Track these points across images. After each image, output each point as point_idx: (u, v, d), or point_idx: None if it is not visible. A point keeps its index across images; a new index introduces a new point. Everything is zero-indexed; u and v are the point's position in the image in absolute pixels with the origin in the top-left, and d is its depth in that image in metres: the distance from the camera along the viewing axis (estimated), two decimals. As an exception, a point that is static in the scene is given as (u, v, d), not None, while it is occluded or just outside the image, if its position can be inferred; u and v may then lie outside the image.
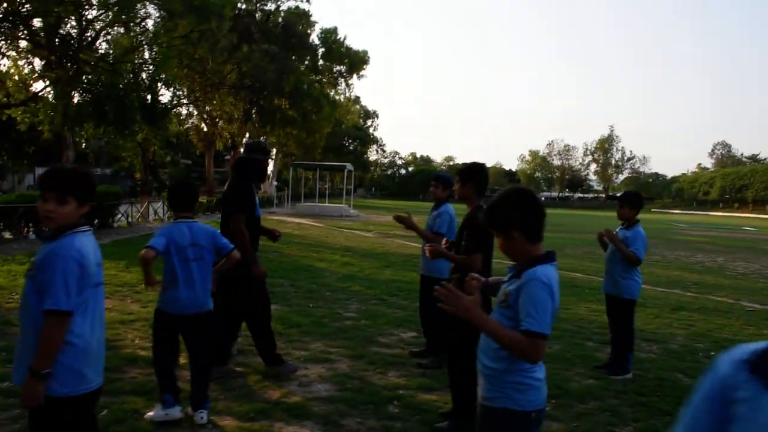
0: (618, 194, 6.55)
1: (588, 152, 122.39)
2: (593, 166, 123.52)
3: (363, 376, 5.73)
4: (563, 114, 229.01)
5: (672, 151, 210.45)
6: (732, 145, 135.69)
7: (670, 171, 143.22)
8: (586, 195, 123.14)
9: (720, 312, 10.03)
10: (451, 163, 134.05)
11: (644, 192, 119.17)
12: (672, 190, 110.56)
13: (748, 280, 14.83)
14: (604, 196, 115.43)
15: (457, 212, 6.00)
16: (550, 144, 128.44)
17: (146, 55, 13.89)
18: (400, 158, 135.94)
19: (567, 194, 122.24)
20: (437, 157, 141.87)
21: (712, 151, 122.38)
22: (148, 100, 16.16)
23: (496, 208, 2.66)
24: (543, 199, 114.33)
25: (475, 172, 4.81)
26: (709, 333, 8.33)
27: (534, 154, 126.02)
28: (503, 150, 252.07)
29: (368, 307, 8.90)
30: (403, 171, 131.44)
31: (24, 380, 2.67)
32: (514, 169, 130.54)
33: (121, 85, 14.56)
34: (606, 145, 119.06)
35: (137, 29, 13.77)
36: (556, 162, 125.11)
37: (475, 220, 4.58)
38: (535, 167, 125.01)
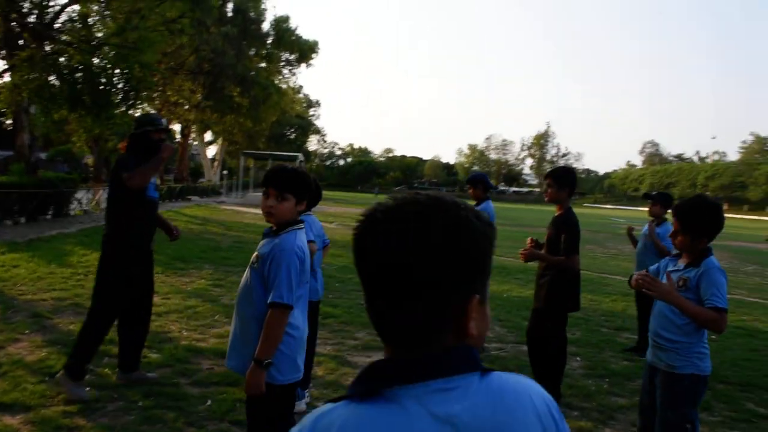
0: (653, 193, 7.08)
1: (525, 147, 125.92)
2: (529, 161, 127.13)
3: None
4: (502, 109, 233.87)
5: (604, 148, 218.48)
6: (660, 144, 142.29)
7: (602, 168, 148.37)
8: (521, 189, 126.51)
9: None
10: (390, 155, 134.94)
11: (577, 187, 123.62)
12: (604, 185, 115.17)
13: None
14: (539, 190, 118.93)
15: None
16: (488, 138, 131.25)
17: (131, 37, 13.52)
18: (340, 149, 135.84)
19: (503, 188, 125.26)
20: (376, 148, 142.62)
21: (642, 149, 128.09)
22: (122, 84, 15.76)
23: (693, 214, 3.22)
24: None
25: (571, 177, 5.13)
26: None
27: (472, 148, 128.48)
28: (442, 143, 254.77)
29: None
30: (341, 162, 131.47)
31: (248, 369, 2.83)
32: (452, 162, 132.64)
33: (103, 68, 14.17)
34: (542, 140, 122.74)
35: (125, 7, 13.40)
36: (494, 156, 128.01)
37: (572, 222, 4.92)
38: (473, 161, 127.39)
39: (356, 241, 0.99)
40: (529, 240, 5.11)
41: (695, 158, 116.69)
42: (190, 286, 8.93)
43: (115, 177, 4.74)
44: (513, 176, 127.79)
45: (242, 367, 2.96)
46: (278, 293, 2.82)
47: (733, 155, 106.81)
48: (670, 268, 3.38)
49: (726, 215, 3.49)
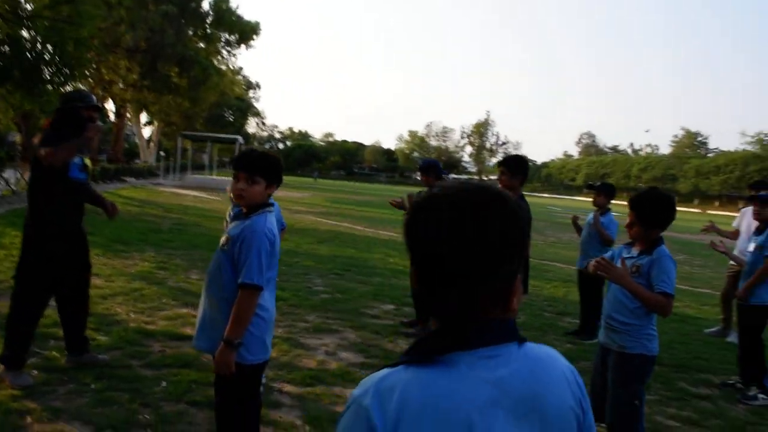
0: (597, 183, 7.35)
1: (464, 135, 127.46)
2: (468, 149, 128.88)
3: (378, 344, 6.12)
4: (443, 96, 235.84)
5: (543, 138, 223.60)
6: (597, 135, 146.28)
7: (540, 157, 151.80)
8: (460, 176, 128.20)
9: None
10: (331, 139, 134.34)
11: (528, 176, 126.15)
12: (542, 175, 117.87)
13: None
14: (477, 178, 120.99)
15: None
16: (428, 125, 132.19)
17: (64, 10, 12.89)
18: (279, 132, 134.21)
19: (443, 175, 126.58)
20: (316, 132, 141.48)
21: (579, 140, 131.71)
22: (55, 59, 15.07)
23: (648, 206, 3.44)
24: (420, 178, 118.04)
25: (524, 165, 5.32)
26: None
27: (413, 134, 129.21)
28: (383, 129, 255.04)
29: (333, 282, 9.19)
30: (281, 145, 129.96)
31: (218, 349, 2.84)
32: (393, 148, 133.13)
33: (33, 42, 13.47)
34: (482, 129, 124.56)
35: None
36: (434, 143, 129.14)
37: (524, 209, 5.09)
38: (413, 147, 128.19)
39: (404, 228, 1.09)
40: None
41: (629, 150, 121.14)
42: (134, 269, 8.73)
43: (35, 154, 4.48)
44: (452, 163, 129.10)
45: (212, 348, 2.96)
46: (249, 274, 2.83)
47: (665, 148, 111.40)
48: (624, 255, 3.57)
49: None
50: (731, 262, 7.43)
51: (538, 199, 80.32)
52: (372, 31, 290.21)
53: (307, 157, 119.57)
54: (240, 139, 41.58)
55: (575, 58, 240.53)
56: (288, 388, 4.74)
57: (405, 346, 6.05)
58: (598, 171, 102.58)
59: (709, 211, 74.32)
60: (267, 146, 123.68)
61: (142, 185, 31.41)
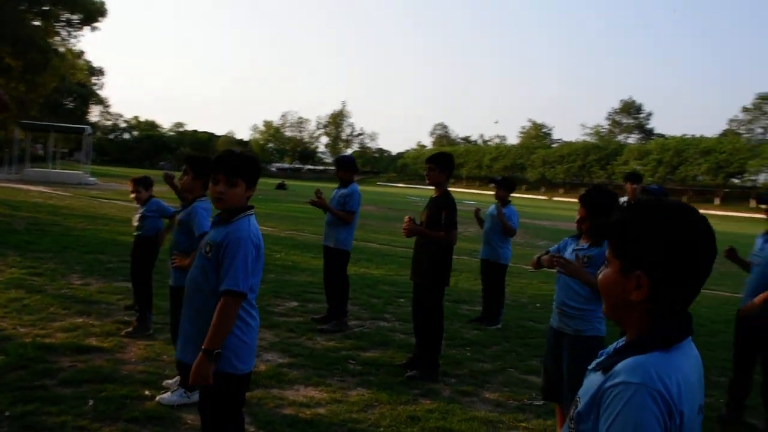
0: (498, 178, 7.73)
1: (320, 126, 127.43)
2: (324, 139, 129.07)
3: (298, 342, 6.03)
4: (299, 87, 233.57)
5: (398, 129, 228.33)
6: (449, 126, 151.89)
7: (395, 148, 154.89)
8: (316, 167, 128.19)
9: (518, 274, 12.00)
10: (181, 129, 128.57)
11: (370, 167, 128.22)
12: (397, 165, 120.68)
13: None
14: (333, 169, 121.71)
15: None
16: (284, 116, 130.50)
17: None
18: (125, 121, 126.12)
19: (298, 165, 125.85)
20: (165, 122, 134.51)
21: (432, 130, 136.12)
22: None
23: (597, 203, 3.73)
24: (275, 170, 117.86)
25: (450, 162, 5.50)
26: (523, 291, 10.07)
27: (268, 124, 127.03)
28: (236, 119, 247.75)
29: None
30: (126, 135, 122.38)
31: (196, 360, 2.66)
32: (246, 139, 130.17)
33: None
34: (338, 119, 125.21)
35: None
36: (289, 133, 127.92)
37: (451, 202, 5.28)
38: (268, 138, 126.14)
39: (654, 229, 1.33)
40: (407, 218, 5.38)
41: (480, 141, 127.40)
42: (2, 276, 7.88)
43: None
44: (308, 154, 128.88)
45: None
46: (233, 281, 2.69)
47: (513, 139, 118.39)
48: (573, 247, 3.82)
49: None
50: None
51: (394, 189, 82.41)
52: (222, 19, 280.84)
53: (157, 148, 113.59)
54: (88, 128, 38.66)
55: (427, 51, 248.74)
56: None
57: (325, 343, 6.06)
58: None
59: (555, 198, 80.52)
60: (111, 136, 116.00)
61: (-28, 180, 28.21)
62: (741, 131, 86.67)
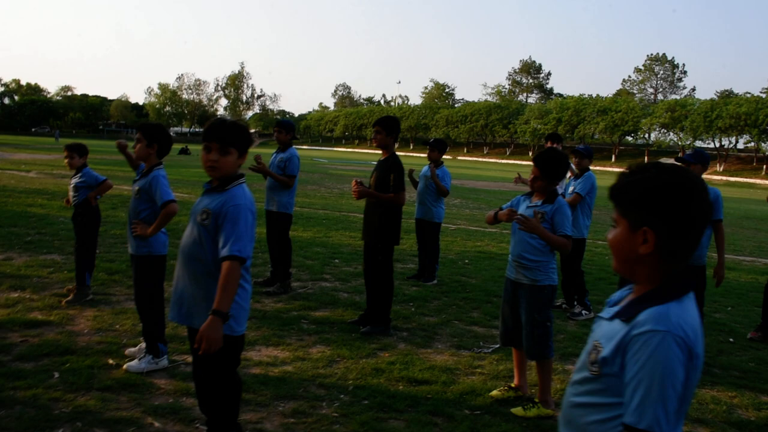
0: (431, 140, 7.99)
1: (219, 88, 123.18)
2: (224, 102, 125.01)
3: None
4: (194, 48, 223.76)
5: (300, 91, 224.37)
6: (352, 87, 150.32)
7: (298, 109, 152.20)
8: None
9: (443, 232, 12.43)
10: (69, 93, 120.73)
11: (272, 129, 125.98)
12: (300, 127, 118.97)
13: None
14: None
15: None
16: (180, 78, 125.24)
17: None
18: (2, 85, 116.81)
19: (197, 130, 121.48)
20: (51, 86, 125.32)
21: (335, 91, 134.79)
22: None
23: (550, 164, 4.09)
24: (174, 134, 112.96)
25: (396, 125, 5.68)
26: (449, 248, 10.49)
27: (164, 87, 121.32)
28: (129, 82, 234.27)
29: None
30: (6, 100, 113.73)
31: (206, 323, 2.72)
32: (141, 103, 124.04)
33: None
34: (237, 81, 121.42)
35: None
36: (186, 96, 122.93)
37: (398, 164, 5.47)
38: (164, 101, 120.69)
39: (684, 194, 1.52)
40: (354, 181, 5.54)
41: (382, 102, 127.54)
42: None
43: None
44: (208, 117, 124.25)
45: (193, 323, 2.95)
46: (237, 246, 2.78)
47: (415, 99, 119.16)
48: (527, 205, 4.16)
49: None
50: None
51: (300, 152, 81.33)
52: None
53: (42, 113, 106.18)
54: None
55: (330, 10, 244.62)
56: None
57: (274, 305, 6.19)
58: (355, 122, 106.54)
59: (459, 157, 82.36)
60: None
61: None
62: (634, 91, 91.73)
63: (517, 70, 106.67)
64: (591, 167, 6.85)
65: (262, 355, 4.80)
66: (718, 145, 70.33)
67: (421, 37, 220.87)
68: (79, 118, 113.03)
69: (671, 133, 74.52)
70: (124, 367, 4.29)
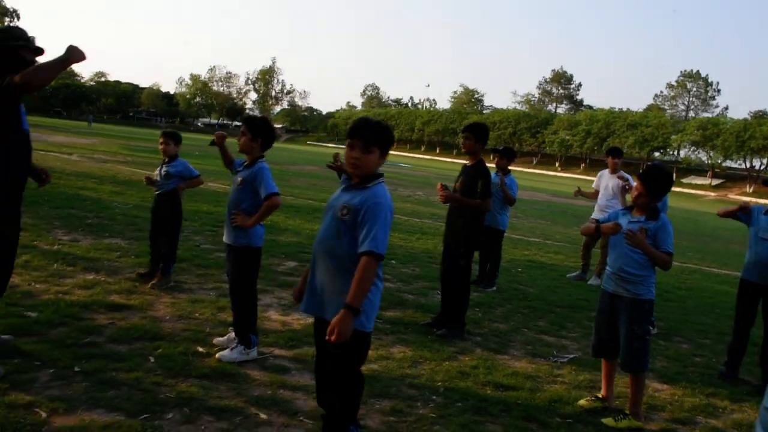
0: (500, 148, 8.02)
1: (249, 81, 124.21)
2: (253, 95, 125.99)
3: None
4: (228, 41, 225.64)
5: (329, 89, 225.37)
6: (380, 87, 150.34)
7: (326, 107, 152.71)
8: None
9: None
10: (103, 79, 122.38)
11: (299, 125, 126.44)
12: (328, 125, 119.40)
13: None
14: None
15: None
16: (212, 69, 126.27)
17: None
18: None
19: (226, 122, 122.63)
20: (84, 71, 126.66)
21: (364, 91, 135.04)
22: None
23: (656, 181, 4.12)
24: (201, 125, 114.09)
25: (486, 132, 5.75)
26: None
27: (195, 78, 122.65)
28: (161, 72, 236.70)
29: (213, 239, 8.79)
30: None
31: (338, 316, 2.76)
32: (172, 92, 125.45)
33: None
34: (267, 76, 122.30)
35: None
36: (216, 88, 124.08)
37: (486, 171, 5.51)
38: (195, 92, 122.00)
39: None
40: (439, 185, 5.59)
41: (410, 104, 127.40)
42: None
43: None
44: (236, 110, 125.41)
45: (324, 314, 2.97)
46: (375, 243, 2.81)
47: (443, 103, 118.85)
48: (630, 220, 4.17)
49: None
50: (592, 217, 8.65)
51: (325, 149, 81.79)
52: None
53: (76, 98, 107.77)
54: None
55: (360, 11, 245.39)
56: (279, 352, 4.66)
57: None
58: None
59: (487, 164, 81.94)
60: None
61: None
62: (665, 107, 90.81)
63: (548, 80, 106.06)
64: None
65: (346, 352, 4.82)
66: (748, 165, 69.34)
67: (453, 41, 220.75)
68: (111, 104, 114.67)
69: (701, 151, 73.69)
70: (217, 356, 4.33)
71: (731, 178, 71.63)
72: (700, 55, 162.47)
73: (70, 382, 3.69)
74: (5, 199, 3.88)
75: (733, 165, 70.95)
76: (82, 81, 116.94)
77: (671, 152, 79.22)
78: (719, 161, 69.29)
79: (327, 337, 2.79)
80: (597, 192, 8.84)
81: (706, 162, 72.40)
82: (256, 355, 4.44)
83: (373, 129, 2.95)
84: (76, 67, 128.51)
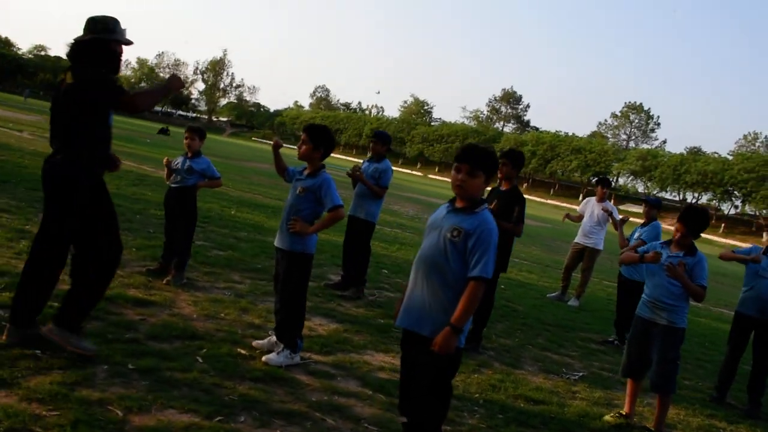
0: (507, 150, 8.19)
1: (198, 71, 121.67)
2: (201, 86, 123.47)
3: (331, 307, 6.26)
4: (176, 28, 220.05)
5: (277, 87, 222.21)
6: (331, 90, 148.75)
7: (273, 105, 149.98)
8: (188, 114, 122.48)
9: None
10: (42, 53, 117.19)
11: (245, 120, 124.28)
12: (275, 123, 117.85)
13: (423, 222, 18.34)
14: (207, 117, 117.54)
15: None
16: (160, 55, 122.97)
17: None
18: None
19: (170, 110, 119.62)
20: (23, 43, 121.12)
21: (314, 92, 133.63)
22: None
23: (696, 222, 4.54)
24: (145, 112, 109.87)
25: (523, 160, 6.04)
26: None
27: (142, 62, 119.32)
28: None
29: (208, 236, 8.70)
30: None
31: (443, 333, 2.96)
32: (117, 75, 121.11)
33: None
34: (217, 68, 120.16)
35: None
36: (163, 75, 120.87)
37: (521, 197, 5.76)
38: (141, 77, 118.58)
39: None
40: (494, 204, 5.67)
41: (358, 109, 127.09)
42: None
43: (85, 95, 3.85)
44: (182, 100, 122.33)
45: (424, 330, 3.09)
46: (485, 269, 2.97)
47: (392, 111, 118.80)
48: (669, 254, 4.53)
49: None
50: (576, 240, 9.15)
51: (268, 146, 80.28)
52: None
53: (12, 70, 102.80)
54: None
55: (312, 11, 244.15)
56: (317, 357, 4.73)
57: (356, 310, 6.34)
58: (332, 126, 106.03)
59: (430, 176, 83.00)
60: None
61: None
62: (608, 135, 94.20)
63: (498, 98, 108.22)
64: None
65: (379, 361, 4.94)
66: (681, 198, 72.82)
67: (405, 51, 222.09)
68: (49, 79, 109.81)
69: (639, 181, 76.79)
70: (263, 359, 4.37)
71: (664, 209, 74.75)
72: (644, 87, 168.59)
73: (129, 380, 3.68)
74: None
75: (668, 197, 74.19)
76: (20, 53, 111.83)
77: (612, 179, 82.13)
78: (655, 192, 72.36)
79: (432, 348, 2.95)
80: (581, 216, 9.27)
81: (643, 191, 75.46)
82: (299, 360, 4.51)
83: (481, 154, 3.10)
84: (13, 38, 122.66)
